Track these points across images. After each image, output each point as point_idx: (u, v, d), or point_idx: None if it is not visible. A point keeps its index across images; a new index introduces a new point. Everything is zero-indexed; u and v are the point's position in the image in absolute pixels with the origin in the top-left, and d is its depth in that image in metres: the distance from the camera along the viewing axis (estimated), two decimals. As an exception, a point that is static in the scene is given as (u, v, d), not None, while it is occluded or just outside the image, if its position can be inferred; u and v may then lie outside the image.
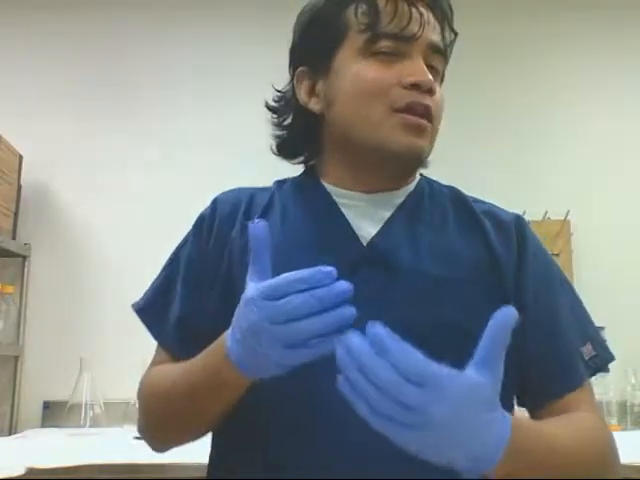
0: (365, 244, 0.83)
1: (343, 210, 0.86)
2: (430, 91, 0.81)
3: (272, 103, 0.95)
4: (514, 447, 0.59)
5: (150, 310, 0.92)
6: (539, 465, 0.66)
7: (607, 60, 2.59)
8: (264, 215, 0.87)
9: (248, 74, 2.52)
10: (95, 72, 2.51)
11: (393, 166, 0.85)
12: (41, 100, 2.48)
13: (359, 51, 0.82)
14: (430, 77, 0.81)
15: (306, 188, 0.91)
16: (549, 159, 2.52)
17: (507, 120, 2.54)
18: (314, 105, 0.87)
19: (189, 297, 0.87)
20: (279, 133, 0.94)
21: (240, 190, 0.93)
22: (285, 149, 0.95)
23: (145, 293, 0.94)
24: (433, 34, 0.84)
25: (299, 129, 0.92)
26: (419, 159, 0.84)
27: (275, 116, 0.95)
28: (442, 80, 0.90)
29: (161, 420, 0.85)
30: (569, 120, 2.57)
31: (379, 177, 0.87)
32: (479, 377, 0.57)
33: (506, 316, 0.58)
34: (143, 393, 0.89)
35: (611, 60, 2.59)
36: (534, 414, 0.83)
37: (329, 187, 0.88)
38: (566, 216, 2.43)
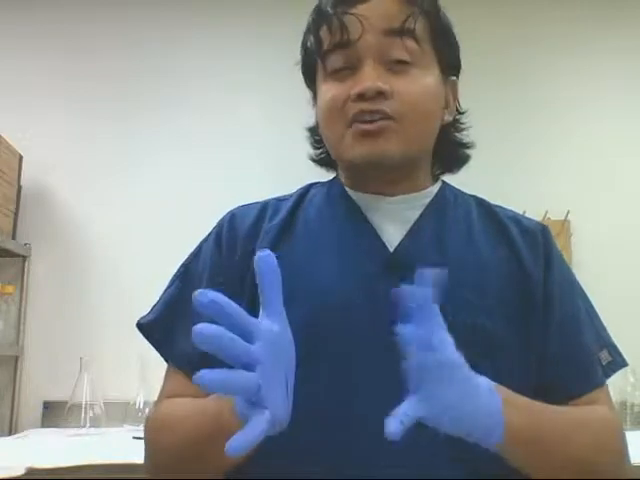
0: (391, 249, 0.83)
1: (367, 215, 0.86)
2: (381, 95, 0.79)
3: (309, 128, 0.99)
4: (507, 400, 0.65)
5: (162, 327, 0.86)
6: (538, 424, 0.70)
7: (607, 60, 2.59)
8: (286, 226, 0.86)
9: (250, 74, 2.52)
10: (96, 72, 2.51)
11: (372, 174, 0.85)
12: (41, 100, 2.48)
13: (322, 76, 0.86)
14: (376, 83, 0.79)
15: (331, 195, 0.91)
16: (549, 159, 2.52)
17: (507, 120, 2.54)
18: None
19: None
20: (315, 150, 0.99)
21: (256, 203, 0.92)
22: (320, 164, 0.99)
23: (152, 309, 0.89)
24: (381, 25, 0.80)
25: (322, 149, 0.96)
26: (381, 163, 0.81)
27: (311, 140, 0.99)
28: (444, 58, 0.87)
29: (168, 462, 0.79)
30: (569, 120, 2.56)
31: (376, 185, 0.87)
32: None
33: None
34: (150, 429, 0.82)
35: (611, 60, 2.59)
36: None
37: (352, 192, 0.89)
38: (566, 216, 2.43)
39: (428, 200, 0.88)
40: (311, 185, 0.95)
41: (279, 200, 0.92)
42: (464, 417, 0.62)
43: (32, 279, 2.36)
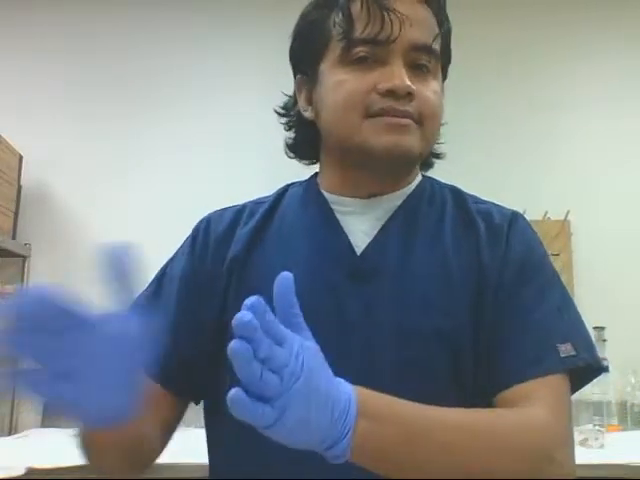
0: (359, 254, 0.83)
1: (340, 218, 0.85)
2: (409, 95, 0.79)
3: (279, 109, 0.96)
4: (364, 412, 0.60)
5: None
6: (404, 436, 0.64)
7: (606, 61, 2.60)
8: (260, 230, 0.86)
9: (251, 75, 2.53)
10: (96, 73, 2.52)
11: (381, 167, 0.83)
12: (41, 100, 2.48)
13: (338, 59, 0.82)
14: (407, 82, 0.78)
15: (306, 197, 0.90)
16: (549, 159, 2.52)
17: (507, 120, 2.54)
18: (309, 114, 0.88)
19: (184, 311, 0.84)
20: (289, 136, 0.95)
21: (233, 207, 0.92)
22: (295, 152, 0.95)
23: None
24: (417, 32, 0.80)
25: (303, 134, 0.93)
26: (404, 157, 0.81)
27: (284, 121, 0.95)
28: (445, 73, 0.88)
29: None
30: (569, 120, 2.57)
31: (372, 181, 0.86)
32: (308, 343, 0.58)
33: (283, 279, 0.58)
34: None
35: (610, 60, 2.59)
36: (488, 404, 0.77)
37: (327, 195, 0.88)
38: (566, 216, 2.43)
39: (404, 198, 0.87)
40: (289, 185, 0.94)
41: (256, 203, 0.92)
42: (312, 429, 0.57)
43: (32, 279, 2.37)
